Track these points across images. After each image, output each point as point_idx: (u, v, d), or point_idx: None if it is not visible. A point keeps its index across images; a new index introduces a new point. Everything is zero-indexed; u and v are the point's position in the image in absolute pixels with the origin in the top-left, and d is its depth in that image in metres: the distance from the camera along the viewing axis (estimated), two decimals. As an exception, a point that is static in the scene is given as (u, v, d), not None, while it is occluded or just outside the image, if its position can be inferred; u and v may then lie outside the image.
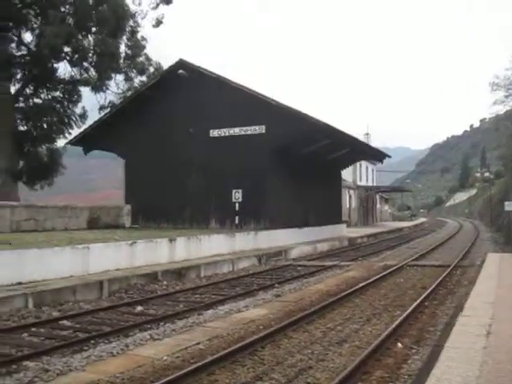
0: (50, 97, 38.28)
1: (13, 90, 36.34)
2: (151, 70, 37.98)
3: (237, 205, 26.61)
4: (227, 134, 27.35)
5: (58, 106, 38.05)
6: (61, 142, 38.60)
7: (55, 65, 36.90)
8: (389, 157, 36.39)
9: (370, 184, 64.25)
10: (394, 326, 9.49)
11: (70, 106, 38.39)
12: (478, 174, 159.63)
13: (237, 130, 27.13)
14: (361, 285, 14.63)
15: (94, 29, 36.30)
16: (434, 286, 14.30)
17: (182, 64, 27.94)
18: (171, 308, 12.28)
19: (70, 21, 35.36)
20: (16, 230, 21.30)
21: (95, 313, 11.61)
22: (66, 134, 37.64)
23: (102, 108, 37.57)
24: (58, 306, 12.17)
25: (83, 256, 14.73)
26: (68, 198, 74.10)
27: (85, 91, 38.31)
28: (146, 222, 28.28)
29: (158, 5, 38.42)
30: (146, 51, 38.60)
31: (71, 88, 37.88)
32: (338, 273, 18.22)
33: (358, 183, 57.74)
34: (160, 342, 8.72)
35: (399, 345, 8.60)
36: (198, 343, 8.60)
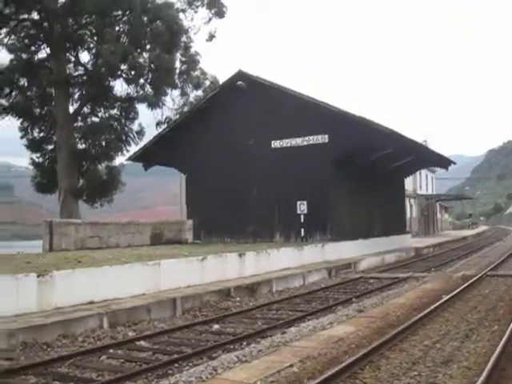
0: (107, 115, 38.58)
1: (71, 109, 36.79)
2: (207, 83, 37.92)
3: (302, 217, 25.92)
4: (289, 144, 26.78)
5: (116, 123, 38.27)
6: (119, 160, 38.84)
7: (112, 83, 37.22)
8: (454, 163, 35.08)
9: (429, 192, 62.55)
10: (502, 343, 8.58)
11: (127, 124, 38.58)
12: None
13: (299, 141, 26.53)
14: (445, 297, 13.67)
15: (148, 46, 36.46)
16: (527, 298, 13.26)
17: (240, 75, 27.61)
18: (249, 326, 11.68)
19: (125, 39, 35.63)
20: (81, 248, 21.18)
21: (171, 332, 11.10)
22: (124, 151, 37.86)
23: (159, 124, 37.68)
24: (133, 325, 11.76)
25: (154, 273, 14.30)
26: (124, 216, 74.71)
27: (141, 108, 38.51)
28: (208, 237, 27.89)
29: (210, 19, 38.36)
30: (200, 65, 38.64)
31: (128, 105, 38.09)
32: (415, 285, 17.24)
33: (418, 192, 56.22)
34: (249, 365, 8.05)
35: (516, 365, 7.71)
36: (291, 365, 7.88)
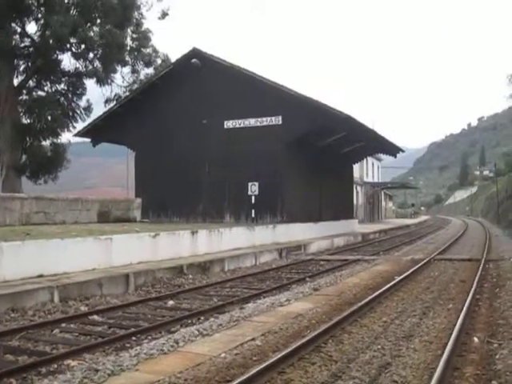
0: (53, 89, 37.32)
1: (16, 82, 35.43)
2: (158, 61, 37.17)
3: (253, 198, 25.74)
4: (242, 125, 26.54)
5: (62, 98, 37.09)
6: (65, 136, 37.76)
7: (59, 57, 36.01)
8: (402, 151, 35.55)
9: (375, 180, 63.46)
10: (460, 319, 8.67)
11: (75, 99, 37.41)
12: (478, 172, 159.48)
13: (252, 121, 26.31)
14: (398, 278, 13.81)
15: (98, 20, 35.38)
16: (477, 279, 13.51)
17: (195, 53, 27.09)
18: (205, 302, 11.53)
19: (75, 11, 34.43)
20: (26, 223, 20.39)
21: (125, 307, 10.83)
22: (71, 128, 36.75)
23: (107, 101, 36.77)
24: (85, 300, 11.42)
25: (106, 248, 13.91)
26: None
27: (89, 84, 37.47)
28: (157, 217, 27.46)
29: (163, -4, 37.54)
30: (152, 43, 37.83)
31: (75, 80, 36.95)
32: (367, 267, 17.40)
33: (365, 179, 56.95)
34: (211, 338, 7.88)
35: (475, 339, 7.80)
36: (253, 339, 7.77)
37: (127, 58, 36.79)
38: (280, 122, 25.80)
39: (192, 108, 27.47)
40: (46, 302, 10.66)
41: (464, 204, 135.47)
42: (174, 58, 34.17)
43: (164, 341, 7.64)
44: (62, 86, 37.42)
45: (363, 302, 10.28)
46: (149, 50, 37.16)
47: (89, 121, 34.10)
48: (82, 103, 37.43)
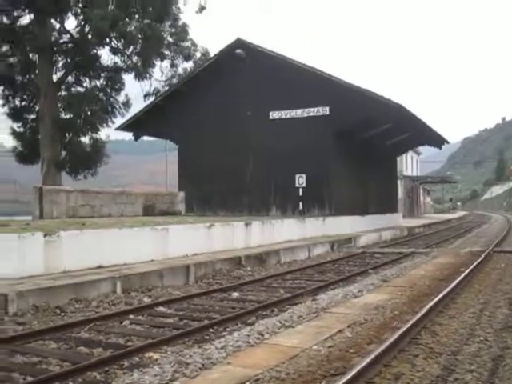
0: (92, 85, 37.13)
1: (55, 78, 35.35)
2: (198, 55, 36.71)
3: (300, 190, 25.11)
4: (288, 116, 25.94)
5: (101, 94, 36.87)
6: (104, 132, 37.66)
7: (98, 52, 35.82)
8: (447, 142, 34.56)
9: (414, 174, 62.30)
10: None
11: (113, 94, 37.13)
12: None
13: (299, 112, 25.70)
14: (466, 270, 13.11)
15: (136, 15, 35.10)
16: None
17: (239, 43, 26.62)
18: (271, 294, 11.02)
19: (113, 6, 34.18)
20: (72, 216, 20.06)
21: (190, 299, 10.39)
22: (110, 123, 36.53)
23: (147, 95, 36.34)
24: (147, 291, 10.99)
25: (163, 238, 13.52)
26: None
27: (128, 79, 37.22)
28: (201, 210, 27.02)
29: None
30: (190, 36, 37.41)
31: (114, 75, 36.70)
32: (426, 259, 16.73)
33: (404, 173, 55.89)
34: (295, 330, 7.37)
35: None
36: (341, 331, 7.24)
37: (166, 52, 36.43)
38: (327, 113, 25.12)
39: (236, 99, 26.97)
40: (109, 293, 10.29)
41: (501, 199, 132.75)
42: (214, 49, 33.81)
43: (248, 332, 7.13)
44: (101, 81, 37.09)
45: (443, 293, 9.67)
46: (187, 44, 36.71)
47: (128, 116, 33.93)
48: (121, 98, 37.06)
